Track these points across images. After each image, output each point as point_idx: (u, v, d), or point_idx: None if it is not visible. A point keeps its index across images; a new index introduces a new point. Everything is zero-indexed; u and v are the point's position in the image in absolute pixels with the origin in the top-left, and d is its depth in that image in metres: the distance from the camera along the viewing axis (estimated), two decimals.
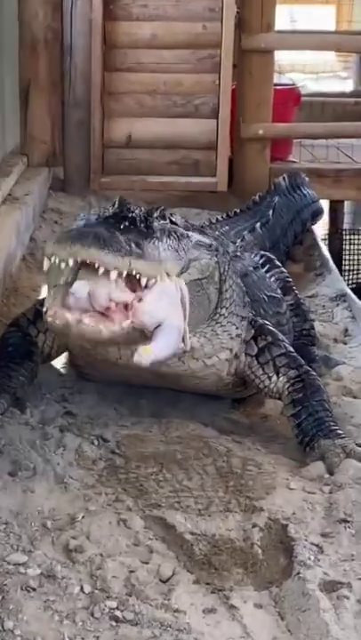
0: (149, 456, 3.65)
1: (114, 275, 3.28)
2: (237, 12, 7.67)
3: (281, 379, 3.95)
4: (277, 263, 4.96)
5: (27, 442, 3.66)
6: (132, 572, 2.92)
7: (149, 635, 2.67)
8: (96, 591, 2.83)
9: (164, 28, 7.62)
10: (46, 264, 3.38)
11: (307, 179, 7.02)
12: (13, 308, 5.12)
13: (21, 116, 7.63)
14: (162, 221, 3.62)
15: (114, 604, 2.77)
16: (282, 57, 10.72)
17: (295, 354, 4.06)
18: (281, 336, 4.13)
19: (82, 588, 2.84)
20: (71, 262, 3.25)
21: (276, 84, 8.23)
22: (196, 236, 3.80)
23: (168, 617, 2.75)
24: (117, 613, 2.74)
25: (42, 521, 3.16)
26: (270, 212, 6.19)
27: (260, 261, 4.82)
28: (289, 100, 8.51)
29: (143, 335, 3.38)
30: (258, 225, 5.83)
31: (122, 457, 3.64)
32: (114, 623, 2.71)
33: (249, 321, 4.04)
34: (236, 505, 3.32)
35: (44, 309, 3.42)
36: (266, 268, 4.81)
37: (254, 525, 3.17)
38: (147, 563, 2.98)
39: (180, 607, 2.80)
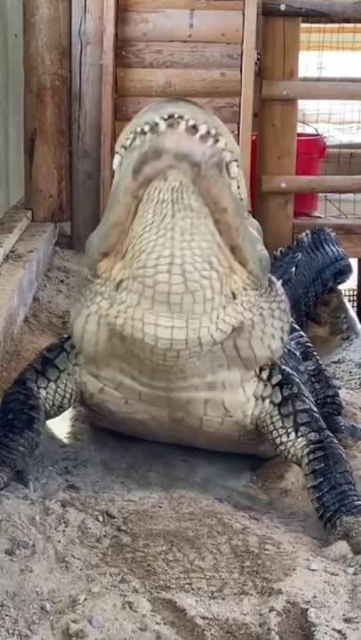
0: (159, 534, 3.65)
1: (203, 128, 3.31)
2: (258, 59, 7.83)
3: (300, 439, 3.95)
4: (296, 327, 5.01)
5: (26, 517, 3.66)
6: None
7: None
8: None
9: (179, 76, 7.80)
10: (117, 160, 3.47)
11: (333, 234, 7.09)
12: (14, 373, 5.15)
13: (26, 167, 7.77)
14: None
15: None
16: (306, 106, 10.88)
17: (319, 416, 4.07)
18: (307, 392, 4.15)
19: None
20: (157, 118, 3.28)
21: (299, 135, 8.37)
22: None
23: None
24: None
25: (40, 603, 3.15)
26: (293, 269, 6.26)
27: None
28: (314, 151, 8.65)
29: None
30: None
31: (129, 534, 3.64)
32: None
33: (278, 366, 4.05)
34: (252, 587, 3.31)
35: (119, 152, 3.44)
36: None
37: (271, 609, 3.15)
38: None
39: None
